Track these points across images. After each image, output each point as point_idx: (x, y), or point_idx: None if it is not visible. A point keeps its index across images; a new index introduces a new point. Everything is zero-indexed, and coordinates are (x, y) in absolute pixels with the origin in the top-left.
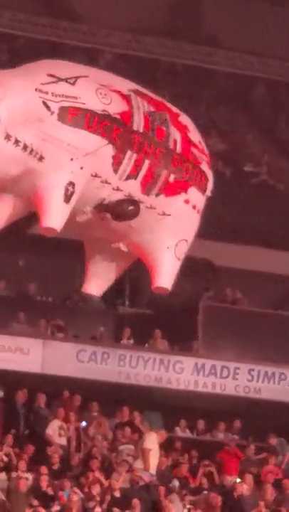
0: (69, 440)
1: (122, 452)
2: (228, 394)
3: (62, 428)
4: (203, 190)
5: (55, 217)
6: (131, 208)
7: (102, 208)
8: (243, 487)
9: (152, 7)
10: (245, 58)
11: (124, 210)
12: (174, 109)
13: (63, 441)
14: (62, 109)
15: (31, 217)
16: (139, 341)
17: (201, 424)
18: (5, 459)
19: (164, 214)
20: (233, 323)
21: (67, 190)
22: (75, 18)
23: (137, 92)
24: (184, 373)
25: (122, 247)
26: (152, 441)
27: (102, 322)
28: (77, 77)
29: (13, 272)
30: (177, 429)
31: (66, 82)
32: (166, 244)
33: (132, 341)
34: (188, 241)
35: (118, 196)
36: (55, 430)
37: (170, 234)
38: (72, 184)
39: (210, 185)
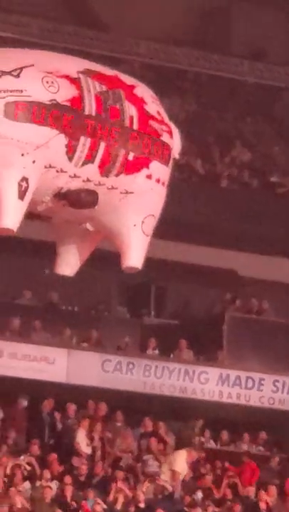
0: (94, 450)
1: (146, 462)
2: (253, 405)
3: (88, 437)
4: (167, 162)
5: (10, 217)
6: (88, 197)
7: (60, 196)
8: (267, 498)
9: (180, 17)
10: (272, 69)
11: (81, 199)
12: (129, 81)
13: (88, 450)
14: (8, 104)
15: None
16: (165, 351)
17: (225, 434)
18: (29, 468)
19: (126, 192)
20: (258, 334)
21: (20, 186)
22: (102, 27)
23: (87, 72)
24: (209, 384)
25: (89, 227)
26: (182, 461)
27: (128, 332)
28: (21, 68)
29: (38, 281)
30: (201, 439)
31: (10, 75)
32: (133, 222)
33: (157, 351)
34: (156, 215)
35: (76, 183)
36: (82, 440)
37: (135, 211)
38: (25, 179)
39: (177, 149)
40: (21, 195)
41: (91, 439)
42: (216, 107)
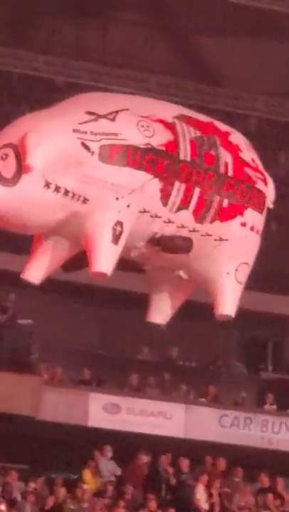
0: (212, 506)
1: None
2: None
3: (206, 493)
4: (261, 210)
5: (104, 261)
6: (183, 243)
7: (154, 242)
8: None
9: None
10: None
11: (176, 245)
12: (224, 128)
13: (206, 506)
14: (102, 148)
15: None
16: (282, 407)
17: None
18: None
19: (220, 239)
20: None
21: (115, 230)
22: (219, 82)
23: (181, 118)
24: None
25: (183, 274)
26: None
27: (245, 387)
28: (117, 112)
29: (156, 336)
30: None
31: (105, 118)
32: (226, 270)
33: (274, 407)
34: (250, 263)
35: (170, 228)
36: (202, 496)
37: (229, 259)
38: (120, 224)
39: (271, 198)
40: (115, 239)
41: (209, 494)
42: None
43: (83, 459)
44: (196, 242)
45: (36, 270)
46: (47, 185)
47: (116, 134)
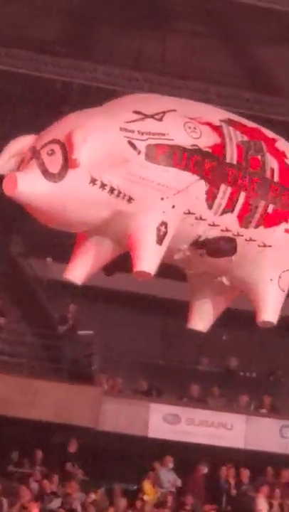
0: None
1: None
2: None
3: (267, 504)
4: None
5: (148, 261)
6: (227, 245)
7: (198, 245)
8: None
9: None
10: None
11: (220, 247)
12: (271, 135)
13: None
14: (149, 147)
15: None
16: None
17: None
18: None
19: (264, 245)
20: None
21: (159, 230)
22: (280, 93)
23: (229, 122)
24: None
25: (225, 281)
26: None
27: None
28: (164, 112)
29: (216, 347)
30: None
31: (152, 118)
32: (269, 277)
33: None
34: None
35: (215, 232)
36: (263, 506)
37: (272, 265)
38: (164, 224)
39: None
40: (160, 239)
41: (270, 505)
42: None
43: (143, 469)
44: (239, 248)
45: (79, 270)
46: (93, 181)
47: (163, 134)
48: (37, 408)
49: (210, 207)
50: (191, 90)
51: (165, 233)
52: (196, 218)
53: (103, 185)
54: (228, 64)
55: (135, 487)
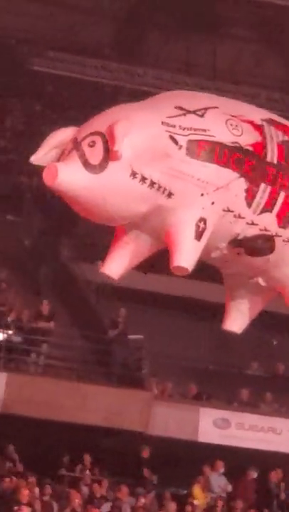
0: None
1: None
2: None
3: None
4: None
5: (186, 256)
6: (266, 244)
7: (236, 243)
8: None
9: None
10: None
11: (258, 246)
12: None
13: None
14: (190, 142)
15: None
16: None
17: None
18: None
19: None
20: None
21: (198, 227)
22: None
23: (270, 122)
24: None
25: (261, 281)
26: None
27: None
28: (206, 109)
29: (266, 351)
30: None
31: (194, 114)
32: None
33: None
34: None
35: (253, 231)
36: None
37: None
38: (203, 220)
39: None
40: (198, 235)
41: None
42: None
43: (193, 474)
44: (277, 248)
45: (116, 265)
46: (133, 174)
47: (204, 130)
48: (87, 412)
49: (249, 205)
50: (240, 95)
51: (204, 229)
52: (235, 216)
53: (143, 179)
54: (278, 69)
55: (185, 491)
